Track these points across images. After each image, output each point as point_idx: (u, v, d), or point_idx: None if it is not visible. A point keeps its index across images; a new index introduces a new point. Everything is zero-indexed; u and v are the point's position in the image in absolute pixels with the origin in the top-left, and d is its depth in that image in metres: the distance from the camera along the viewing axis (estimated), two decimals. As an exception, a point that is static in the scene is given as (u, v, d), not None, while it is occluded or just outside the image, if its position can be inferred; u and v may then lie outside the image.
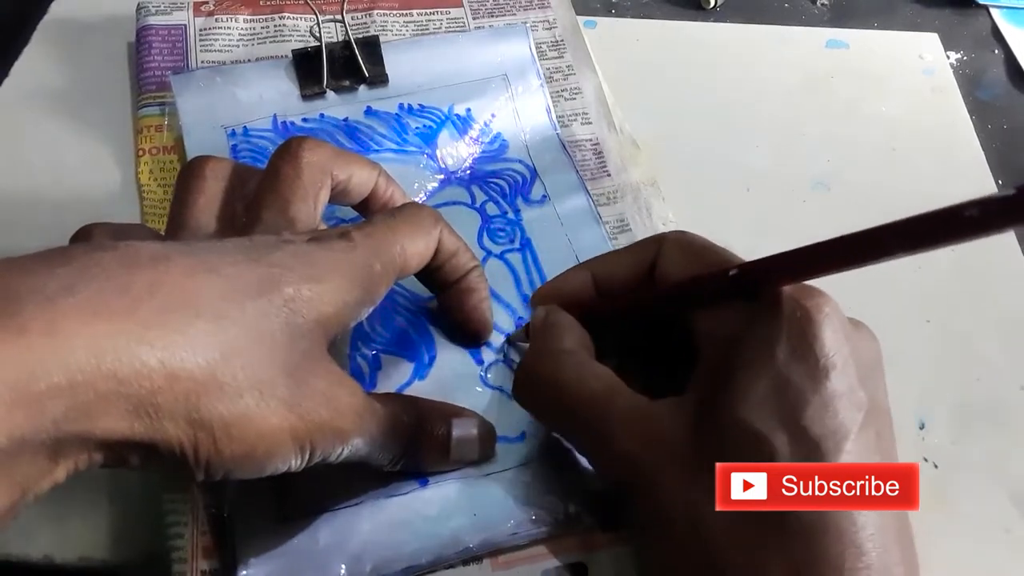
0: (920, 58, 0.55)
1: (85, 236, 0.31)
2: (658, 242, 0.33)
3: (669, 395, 0.29)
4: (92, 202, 0.43)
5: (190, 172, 0.33)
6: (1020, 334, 0.43)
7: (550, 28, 0.51)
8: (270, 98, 0.44)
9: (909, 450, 0.38)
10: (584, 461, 0.34)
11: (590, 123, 0.48)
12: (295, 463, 0.26)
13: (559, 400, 0.31)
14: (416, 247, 0.32)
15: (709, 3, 0.56)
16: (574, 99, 0.48)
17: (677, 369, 0.31)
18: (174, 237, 0.31)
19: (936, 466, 0.38)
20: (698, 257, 0.31)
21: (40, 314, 0.21)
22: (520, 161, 0.45)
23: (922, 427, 0.39)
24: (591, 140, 0.47)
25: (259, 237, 0.28)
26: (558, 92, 0.48)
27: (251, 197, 0.32)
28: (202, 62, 0.47)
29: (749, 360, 0.27)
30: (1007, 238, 0.47)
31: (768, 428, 0.26)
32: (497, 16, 0.51)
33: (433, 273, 0.35)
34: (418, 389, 0.36)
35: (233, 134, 0.43)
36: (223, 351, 0.23)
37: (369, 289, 0.29)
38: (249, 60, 0.47)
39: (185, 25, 0.48)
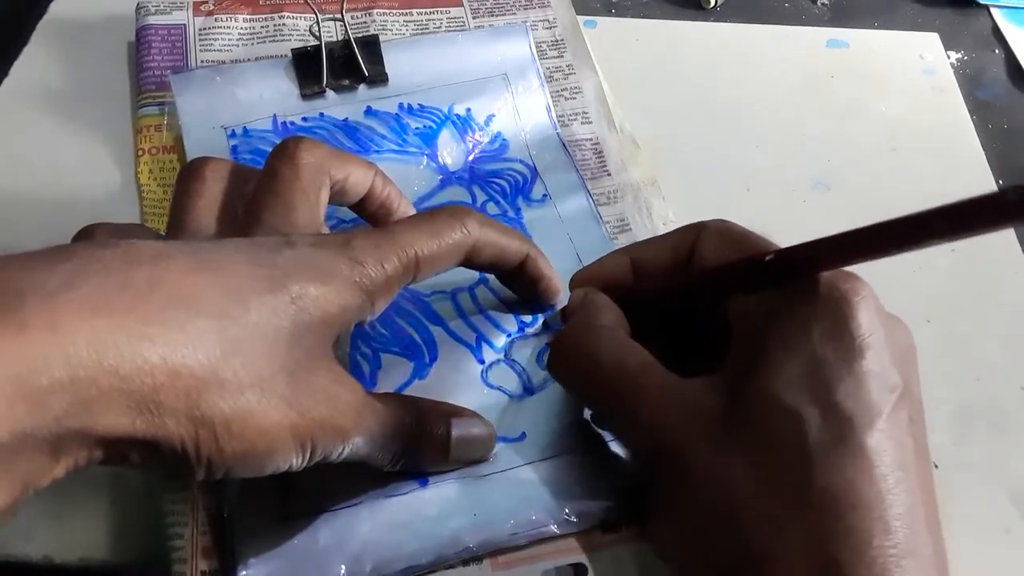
0: (920, 58, 0.55)
1: (87, 236, 0.31)
2: (698, 229, 0.33)
3: (701, 375, 0.30)
4: (92, 202, 0.43)
5: (189, 174, 0.33)
6: (1020, 334, 0.43)
7: (550, 27, 0.51)
8: (270, 97, 0.44)
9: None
10: (584, 463, 0.34)
11: (590, 122, 0.48)
12: (296, 462, 0.26)
13: (593, 372, 0.32)
14: (428, 250, 0.31)
15: (709, 3, 0.56)
16: (574, 98, 0.48)
17: (709, 353, 0.31)
18: (174, 238, 0.31)
19: (936, 466, 0.38)
20: (736, 244, 0.32)
21: (41, 309, 0.21)
22: (520, 161, 0.45)
23: (922, 427, 0.39)
24: (591, 139, 0.47)
25: (261, 239, 0.28)
26: (558, 91, 0.48)
27: (251, 198, 0.32)
28: (202, 62, 0.47)
29: (783, 339, 0.28)
30: (1008, 238, 0.47)
31: (800, 404, 0.27)
32: (497, 15, 0.51)
33: (485, 270, 0.36)
34: (418, 388, 0.36)
35: (233, 134, 0.43)
36: (224, 348, 0.23)
37: (371, 294, 0.29)
38: (249, 60, 0.47)
39: (185, 25, 0.48)
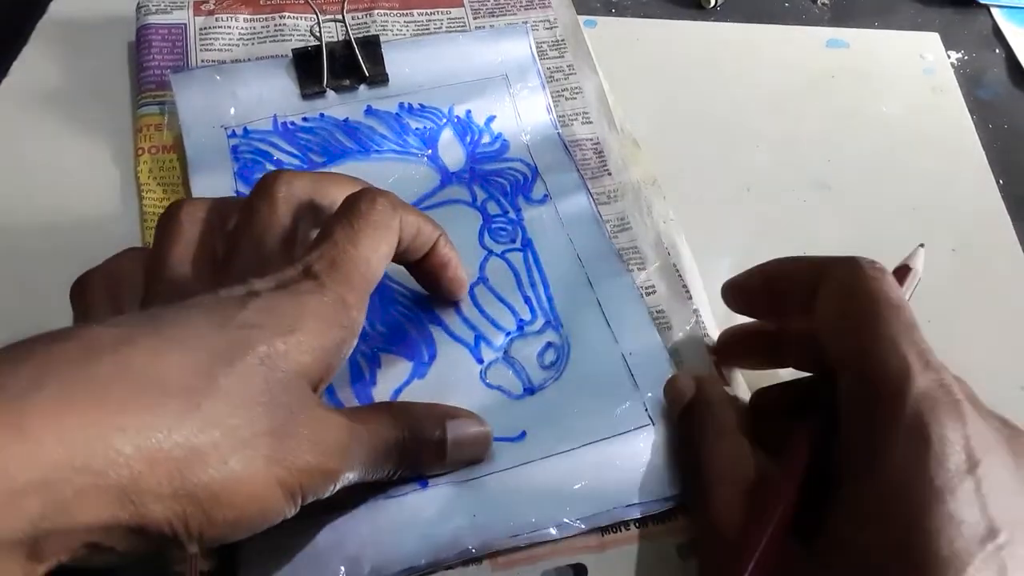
0: (921, 57, 0.55)
1: (80, 288, 0.31)
2: (825, 272, 0.31)
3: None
4: (91, 202, 0.43)
5: (166, 218, 0.32)
6: (1020, 334, 0.43)
7: (551, 28, 0.51)
8: (270, 97, 0.44)
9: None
10: (584, 463, 0.34)
11: (591, 122, 0.47)
12: (289, 512, 0.26)
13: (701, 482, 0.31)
14: (381, 251, 0.31)
15: (709, 2, 0.56)
16: (575, 99, 0.48)
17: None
18: (152, 289, 0.31)
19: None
20: (855, 317, 0.29)
21: (6, 413, 0.20)
22: (520, 160, 0.45)
23: (923, 427, 0.39)
24: (592, 139, 0.47)
25: (225, 293, 0.27)
26: (559, 92, 0.48)
27: (228, 237, 0.31)
28: (202, 61, 0.47)
29: (892, 493, 0.26)
30: (1007, 237, 0.47)
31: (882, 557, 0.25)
32: (498, 16, 0.51)
33: (399, 256, 0.34)
34: (417, 387, 0.36)
35: (233, 134, 0.43)
36: (200, 424, 0.23)
37: (346, 324, 0.28)
38: (249, 59, 0.47)
39: (185, 24, 0.48)
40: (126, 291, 0.31)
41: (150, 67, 0.46)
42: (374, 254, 0.30)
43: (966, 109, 0.53)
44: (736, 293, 0.36)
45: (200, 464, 0.23)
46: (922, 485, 0.25)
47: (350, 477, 0.28)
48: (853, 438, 0.28)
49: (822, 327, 0.30)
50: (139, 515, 0.22)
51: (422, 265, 0.35)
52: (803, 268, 0.32)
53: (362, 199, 0.31)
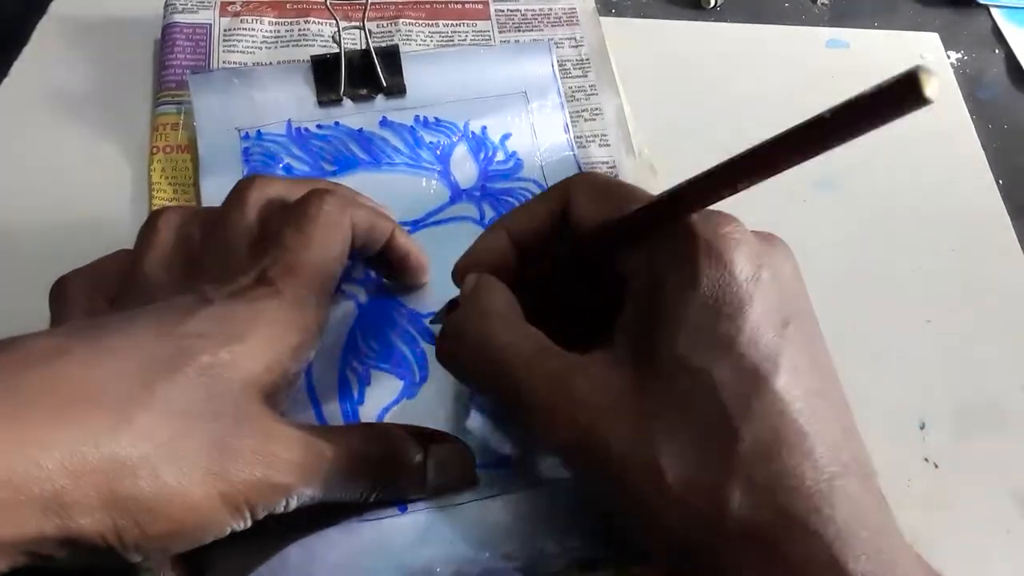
0: (921, 58, 0.55)
1: (59, 289, 0.31)
2: (566, 188, 0.31)
3: (598, 348, 0.28)
4: (95, 203, 0.42)
5: (146, 224, 0.32)
6: (1020, 334, 0.43)
7: (576, 46, 0.50)
8: (286, 103, 0.44)
9: (910, 450, 0.39)
10: (569, 496, 0.34)
11: (608, 145, 0.47)
12: (238, 525, 0.26)
13: (488, 362, 0.29)
14: (335, 251, 0.31)
15: (709, 3, 0.55)
16: (594, 120, 0.48)
17: (606, 322, 0.29)
18: (126, 293, 0.31)
19: (937, 466, 0.38)
20: (606, 197, 0.30)
21: None
22: (534, 181, 0.44)
23: (923, 427, 0.39)
24: (607, 163, 0.46)
25: (178, 300, 0.28)
26: (578, 112, 0.47)
27: (201, 243, 0.32)
28: (224, 62, 0.47)
29: (676, 300, 0.26)
30: (1007, 238, 0.47)
31: (707, 362, 0.25)
32: (524, 31, 0.50)
33: (358, 252, 0.34)
34: (406, 408, 0.36)
35: (247, 137, 0.43)
36: (132, 435, 0.23)
37: (305, 327, 0.28)
38: (271, 63, 0.47)
39: (210, 25, 0.48)
40: (105, 293, 0.31)
41: (172, 66, 0.46)
42: (328, 254, 0.30)
43: (966, 109, 0.53)
44: (479, 267, 0.33)
45: (130, 477, 0.23)
46: (733, 294, 0.26)
47: (308, 493, 0.27)
48: (649, 280, 0.28)
49: (586, 220, 0.30)
50: (67, 528, 0.22)
51: (382, 258, 0.36)
52: (543, 204, 0.32)
53: (310, 201, 0.31)
